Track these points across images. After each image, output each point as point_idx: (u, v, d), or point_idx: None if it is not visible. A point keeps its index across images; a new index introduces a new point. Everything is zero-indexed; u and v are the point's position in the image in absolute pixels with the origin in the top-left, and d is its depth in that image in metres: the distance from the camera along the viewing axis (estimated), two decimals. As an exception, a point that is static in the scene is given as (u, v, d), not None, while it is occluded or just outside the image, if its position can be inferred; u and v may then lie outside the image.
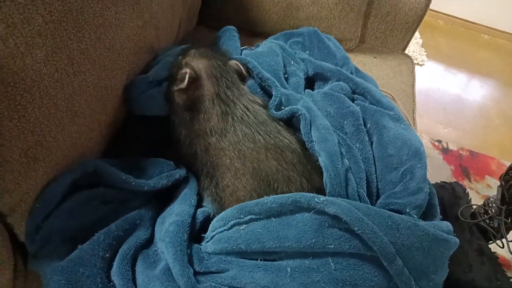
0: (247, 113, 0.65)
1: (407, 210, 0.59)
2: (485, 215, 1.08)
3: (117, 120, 0.71)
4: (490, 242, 1.09)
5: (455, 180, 1.54)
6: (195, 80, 0.67)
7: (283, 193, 0.56)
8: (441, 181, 1.38)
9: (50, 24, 0.50)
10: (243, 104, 0.67)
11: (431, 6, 1.14)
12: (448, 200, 1.24)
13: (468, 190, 1.32)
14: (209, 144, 0.64)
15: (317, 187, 0.61)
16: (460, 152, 1.72)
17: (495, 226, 1.05)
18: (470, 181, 1.60)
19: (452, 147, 1.73)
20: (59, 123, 0.55)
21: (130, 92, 0.69)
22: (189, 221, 0.58)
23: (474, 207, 1.18)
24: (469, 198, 1.28)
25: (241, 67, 0.73)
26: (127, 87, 0.69)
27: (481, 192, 1.57)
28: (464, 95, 2.10)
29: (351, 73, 0.84)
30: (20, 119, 0.49)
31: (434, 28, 2.56)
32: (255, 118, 0.65)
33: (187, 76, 0.65)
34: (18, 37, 0.46)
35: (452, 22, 2.64)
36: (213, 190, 0.64)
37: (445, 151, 1.71)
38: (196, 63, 0.69)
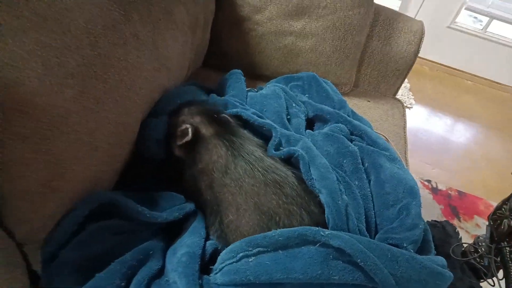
0: (246, 151, 0.70)
1: (404, 245, 0.63)
2: (476, 254, 1.11)
3: (130, 154, 0.74)
4: (481, 280, 1.12)
5: (445, 219, 1.59)
6: (195, 132, 0.72)
7: (285, 226, 0.60)
8: (432, 220, 1.42)
9: (82, 67, 0.55)
10: (242, 144, 0.71)
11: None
12: (439, 239, 1.28)
13: (458, 229, 1.36)
14: (212, 181, 0.68)
15: (316, 219, 0.64)
16: (449, 192, 1.77)
17: (486, 264, 1.08)
18: (459, 221, 1.64)
19: (441, 187, 1.79)
20: (80, 157, 0.58)
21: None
22: (200, 252, 0.61)
23: (465, 245, 1.21)
24: (460, 236, 1.31)
25: (230, 119, 0.77)
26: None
27: (471, 231, 1.61)
28: (450, 137, 2.19)
29: (348, 116, 0.90)
30: (47, 152, 0.52)
31: (420, 74, 2.70)
32: (253, 155, 0.69)
33: (189, 130, 0.70)
34: (53, 78, 0.51)
35: (437, 68, 2.79)
36: (218, 226, 0.66)
37: (435, 190, 1.76)
38: (193, 119, 0.74)
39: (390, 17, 1.22)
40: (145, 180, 0.78)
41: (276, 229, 0.58)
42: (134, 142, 0.73)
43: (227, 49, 1.18)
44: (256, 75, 1.17)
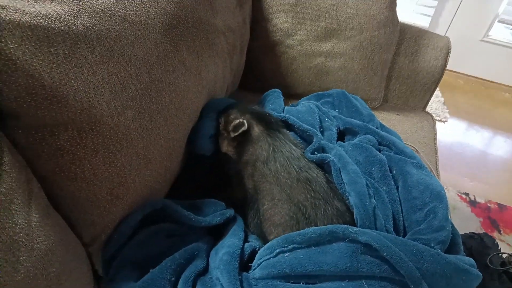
0: (286, 149, 0.78)
1: (432, 245, 0.67)
2: (515, 264, 1.11)
3: (178, 167, 0.84)
4: (521, 290, 1.10)
5: (484, 231, 1.57)
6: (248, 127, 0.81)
7: (310, 217, 0.67)
8: (470, 232, 1.41)
9: (140, 91, 0.65)
10: (284, 142, 0.80)
11: (451, 67, 1.27)
12: (476, 250, 1.27)
13: (498, 241, 1.35)
14: (254, 170, 0.77)
15: (340, 213, 0.71)
16: (488, 204, 1.75)
17: (525, 274, 1.07)
18: (500, 233, 1.61)
19: (480, 199, 1.77)
20: (137, 168, 0.67)
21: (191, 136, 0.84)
22: (239, 252, 0.68)
23: (504, 256, 1.20)
24: (499, 248, 1.30)
25: (277, 119, 0.87)
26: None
27: (513, 244, 1.58)
28: (488, 150, 2.16)
29: (377, 128, 0.96)
30: (111, 164, 0.62)
31: (454, 87, 2.68)
32: (292, 154, 0.78)
33: (245, 122, 0.79)
34: (118, 101, 0.61)
35: (472, 82, 2.76)
36: (254, 215, 0.75)
37: (473, 203, 1.74)
38: (244, 116, 0.84)
39: (416, 35, 1.28)
40: (193, 187, 0.86)
41: (303, 219, 0.66)
42: (182, 156, 0.83)
43: (262, 71, 1.28)
44: (289, 94, 1.25)
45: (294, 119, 0.88)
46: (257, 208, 0.75)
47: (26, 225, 0.46)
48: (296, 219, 0.69)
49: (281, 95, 1.09)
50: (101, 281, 0.68)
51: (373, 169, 0.79)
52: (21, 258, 0.44)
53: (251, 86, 1.30)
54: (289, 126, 0.89)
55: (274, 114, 0.90)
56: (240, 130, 0.79)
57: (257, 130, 0.81)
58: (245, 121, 0.80)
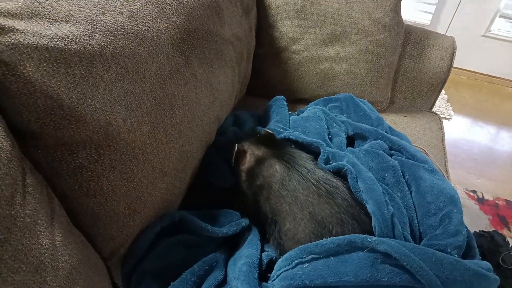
0: (298, 164, 0.77)
1: (449, 250, 0.67)
2: (527, 262, 1.11)
3: (192, 178, 0.84)
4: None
5: (493, 229, 1.57)
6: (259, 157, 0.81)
7: (337, 234, 0.66)
8: (479, 230, 1.41)
9: (154, 106, 0.66)
10: (294, 159, 0.79)
11: (453, 64, 1.27)
12: (487, 248, 1.27)
13: (508, 239, 1.35)
14: (270, 193, 0.76)
15: (366, 228, 0.70)
16: (496, 201, 1.75)
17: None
18: (510, 230, 1.61)
19: (488, 197, 1.77)
20: (153, 182, 0.68)
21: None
22: (257, 262, 0.68)
23: (516, 254, 1.21)
24: (510, 246, 1.30)
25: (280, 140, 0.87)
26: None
27: (523, 241, 1.58)
28: (494, 146, 2.16)
29: (386, 132, 0.96)
30: (128, 179, 0.62)
31: (458, 84, 2.68)
32: (305, 168, 0.76)
33: (247, 155, 0.80)
34: (134, 117, 0.61)
35: (475, 77, 2.76)
36: (277, 235, 0.73)
37: (481, 201, 1.74)
38: (248, 146, 0.83)
39: (420, 36, 1.28)
40: (206, 198, 0.87)
41: (329, 236, 0.65)
42: (195, 168, 0.83)
43: (269, 77, 1.28)
44: (296, 99, 1.26)
45: (297, 134, 0.87)
46: (278, 229, 0.73)
47: (50, 245, 0.47)
48: (321, 236, 0.67)
49: (285, 103, 1.08)
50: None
51: (386, 175, 0.79)
52: (48, 278, 0.45)
53: (258, 92, 1.31)
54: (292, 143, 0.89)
55: (277, 131, 0.90)
56: (234, 154, 0.80)
57: (264, 154, 0.81)
58: (236, 144, 0.80)
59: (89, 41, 0.53)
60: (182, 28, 0.74)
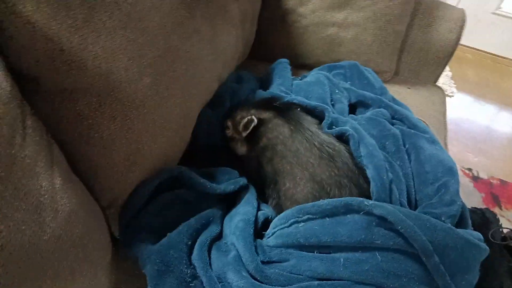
0: (303, 127, 0.77)
1: (443, 219, 0.68)
2: (516, 238, 1.13)
3: (191, 135, 0.84)
4: (521, 263, 1.13)
5: (485, 206, 1.59)
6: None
7: (335, 196, 0.67)
8: (472, 207, 1.43)
9: (157, 58, 0.64)
10: (299, 121, 0.79)
11: (460, 41, 1.25)
12: (478, 224, 1.29)
13: (499, 217, 1.37)
14: (273, 154, 0.76)
15: (364, 193, 0.70)
16: (491, 180, 1.76)
17: (526, 248, 1.09)
18: (501, 209, 1.64)
19: (483, 175, 1.78)
20: (154, 135, 0.68)
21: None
22: (253, 219, 0.69)
23: (505, 231, 1.23)
24: (500, 223, 1.32)
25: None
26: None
27: (512, 219, 1.61)
28: (493, 126, 2.16)
29: (389, 101, 0.95)
30: (128, 130, 0.62)
31: (462, 61, 2.65)
32: (309, 131, 0.76)
33: (254, 117, 0.79)
34: (135, 68, 0.60)
35: (480, 55, 2.72)
36: (275, 195, 0.74)
37: (476, 179, 1.76)
38: (250, 111, 0.83)
39: (430, 6, 1.25)
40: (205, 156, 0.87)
41: (326, 198, 0.65)
42: (195, 125, 0.82)
43: (273, 40, 1.25)
44: (300, 65, 1.23)
45: (300, 98, 0.87)
46: (277, 189, 0.74)
47: (50, 187, 0.47)
48: (319, 197, 0.68)
49: (288, 66, 1.06)
50: (117, 243, 0.70)
51: (387, 143, 0.79)
52: (47, 219, 0.45)
53: (261, 55, 1.28)
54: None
55: (279, 95, 0.88)
56: (251, 127, 0.79)
57: (268, 117, 0.80)
58: (253, 117, 0.78)
59: (91, -16, 0.51)
60: (187, -21, 0.71)
